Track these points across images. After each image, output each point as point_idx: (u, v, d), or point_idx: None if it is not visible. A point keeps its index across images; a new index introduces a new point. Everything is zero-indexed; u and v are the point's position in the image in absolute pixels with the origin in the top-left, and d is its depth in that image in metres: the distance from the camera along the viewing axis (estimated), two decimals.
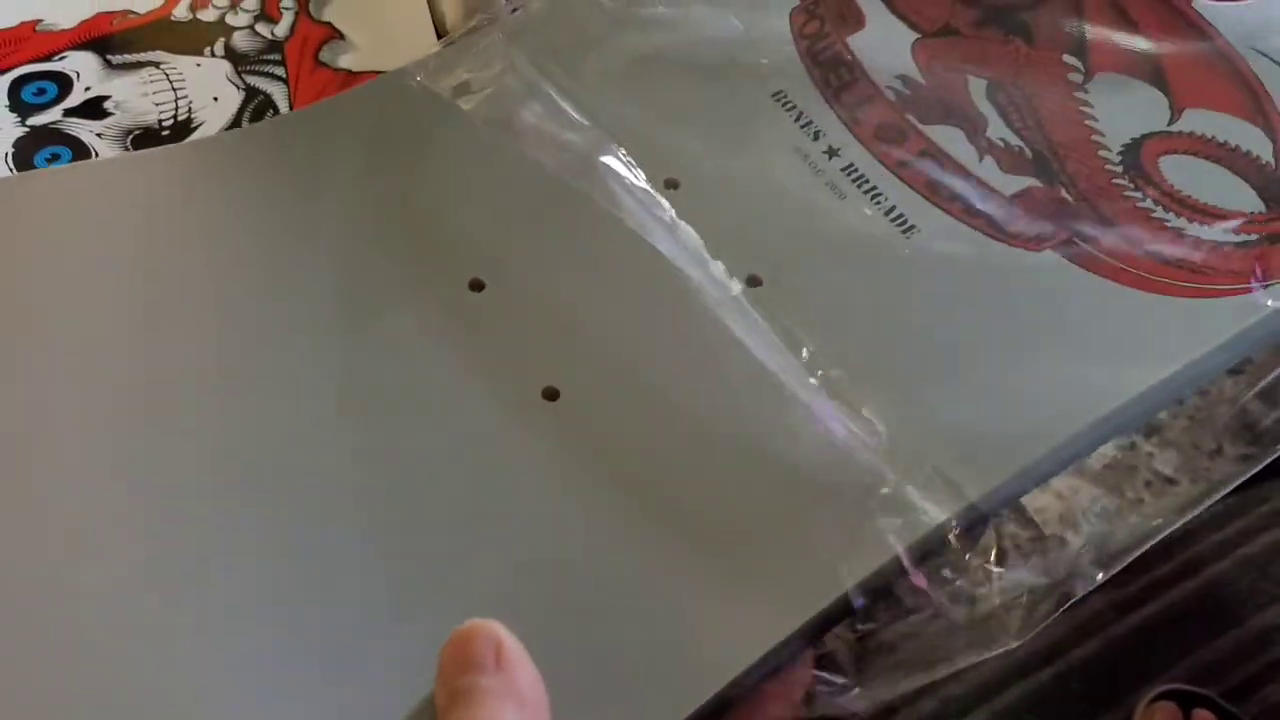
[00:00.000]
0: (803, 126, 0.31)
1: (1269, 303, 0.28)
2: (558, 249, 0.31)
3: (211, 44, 0.46)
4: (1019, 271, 0.28)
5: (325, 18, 0.47)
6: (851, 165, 0.30)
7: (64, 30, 0.46)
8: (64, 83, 0.44)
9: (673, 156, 0.31)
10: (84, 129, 0.42)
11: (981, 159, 0.29)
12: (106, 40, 0.46)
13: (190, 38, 0.46)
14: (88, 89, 0.44)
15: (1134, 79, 0.30)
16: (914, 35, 0.32)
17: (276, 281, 0.31)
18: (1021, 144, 0.29)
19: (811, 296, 0.29)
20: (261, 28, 0.47)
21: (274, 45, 0.46)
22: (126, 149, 0.42)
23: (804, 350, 0.28)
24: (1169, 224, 0.28)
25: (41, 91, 0.44)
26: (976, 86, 0.31)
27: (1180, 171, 0.29)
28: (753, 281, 0.29)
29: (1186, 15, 0.31)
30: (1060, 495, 0.34)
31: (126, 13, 0.47)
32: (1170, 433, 0.35)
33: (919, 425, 0.27)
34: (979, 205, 0.29)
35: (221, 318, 0.31)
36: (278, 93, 0.44)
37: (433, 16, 0.47)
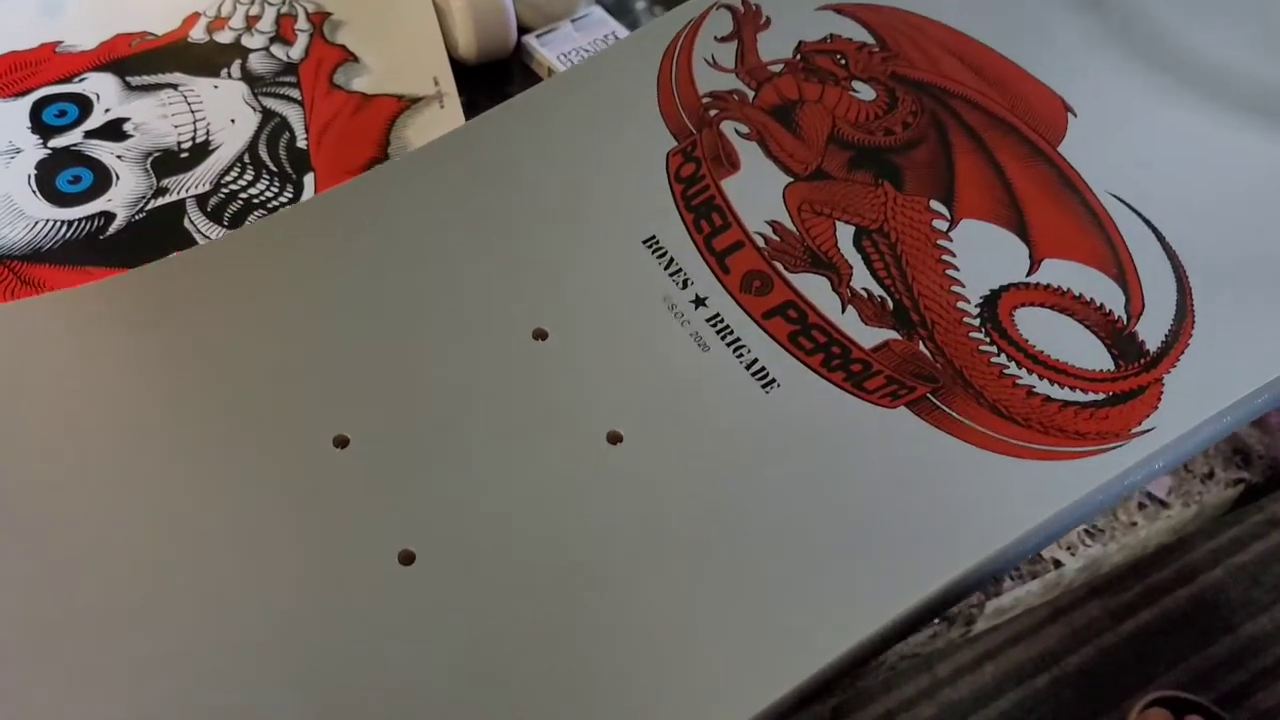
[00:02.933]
0: (672, 274, 0.31)
1: (1111, 469, 0.28)
2: (421, 402, 0.30)
3: (228, 66, 0.47)
4: (873, 429, 0.28)
5: (339, 40, 0.48)
6: (718, 316, 0.30)
7: (84, 52, 0.47)
8: (84, 104, 0.45)
9: (544, 305, 0.31)
10: (105, 150, 0.43)
11: (844, 309, 0.29)
12: (125, 62, 0.47)
13: (207, 60, 0.47)
14: (107, 110, 0.45)
15: (997, 227, 0.30)
16: (787, 179, 0.32)
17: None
18: (884, 294, 0.29)
19: (670, 455, 0.29)
20: (277, 50, 0.48)
21: (289, 67, 0.47)
22: (146, 171, 0.43)
23: (661, 510, 0.28)
24: (1020, 381, 0.28)
25: (63, 113, 0.44)
26: (844, 233, 0.31)
27: (1035, 325, 0.29)
28: (613, 438, 0.29)
29: (1051, 159, 0.31)
30: None
31: (145, 34, 0.48)
32: None
33: (749, 602, 0.26)
34: (838, 359, 0.29)
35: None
36: (293, 115, 0.45)
37: (445, 40, 0.48)
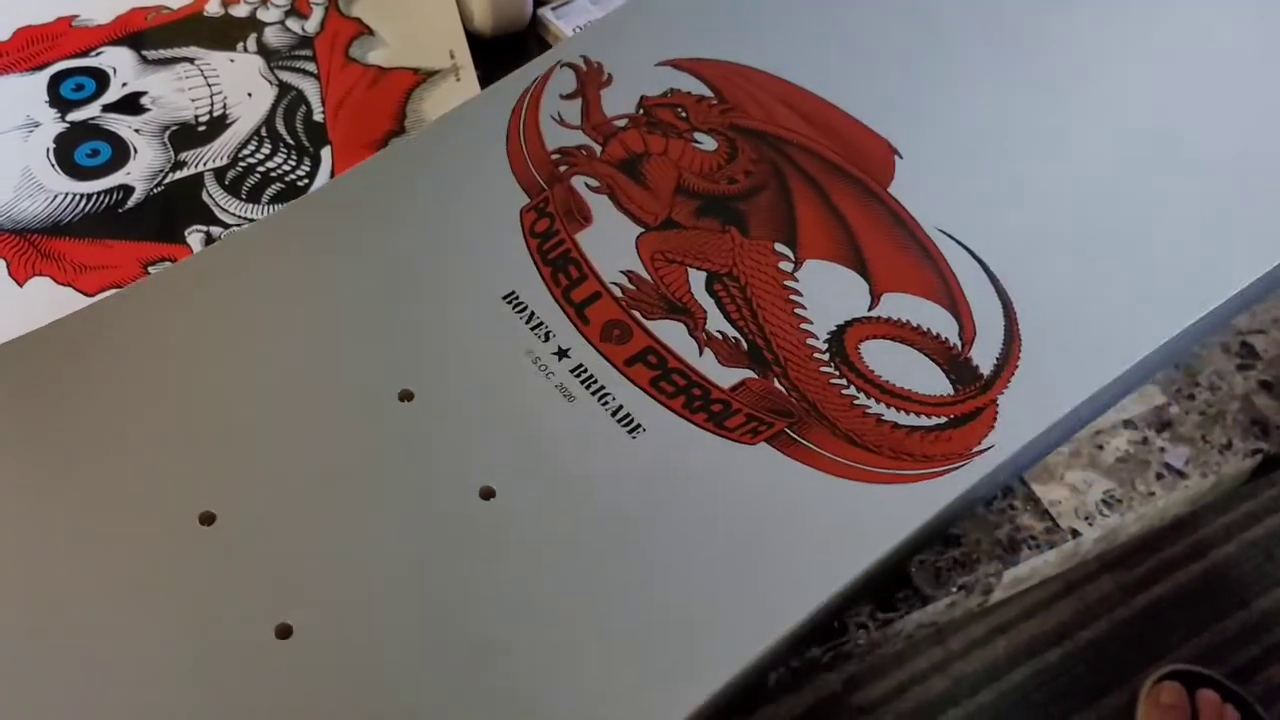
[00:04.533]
0: (534, 328, 0.32)
1: (957, 487, 0.29)
2: (290, 471, 0.30)
3: (244, 39, 0.47)
4: (736, 466, 0.29)
5: (354, 13, 0.48)
6: (581, 366, 0.31)
7: (100, 26, 0.47)
8: (101, 78, 0.45)
9: (408, 366, 0.32)
10: (122, 124, 0.43)
11: (702, 352, 0.30)
12: (141, 36, 0.47)
13: (223, 33, 0.47)
14: (124, 84, 0.45)
15: (839, 265, 0.32)
16: (638, 230, 0.33)
17: None
18: (738, 335, 0.31)
19: (542, 507, 0.29)
20: (292, 23, 0.48)
21: (305, 41, 0.47)
22: (164, 144, 0.43)
23: (537, 561, 0.28)
24: (869, 410, 0.30)
25: (80, 87, 0.45)
26: (696, 279, 0.32)
27: (879, 356, 0.31)
28: (485, 493, 0.30)
29: (882, 199, 0.32)
30: (1075, 489, 0.35)
31: (160, 8, 0.48)
32: (1182, 427, 0.36)
33: (624, 645, 0.27)
34: (699, 401, 0.30)
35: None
36: (310, 88, 0.45)
37: (461, 13, 0.48)
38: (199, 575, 0.29)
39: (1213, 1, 0.37)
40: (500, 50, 0.48)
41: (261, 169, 0.42)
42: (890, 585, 0.32)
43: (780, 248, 0.32)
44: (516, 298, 0.32)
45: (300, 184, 0.42)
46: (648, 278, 0.32)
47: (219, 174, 0.42)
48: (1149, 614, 0.98)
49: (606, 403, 0.31)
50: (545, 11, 0.48)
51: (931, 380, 0.31)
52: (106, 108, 0.44)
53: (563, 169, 0.34)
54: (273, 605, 0.28)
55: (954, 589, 0.32)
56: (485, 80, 0.46)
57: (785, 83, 0.34)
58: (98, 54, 0.46)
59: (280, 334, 0.33)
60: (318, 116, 0.44)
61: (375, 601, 0.28)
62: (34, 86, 0.44)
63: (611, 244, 0.33)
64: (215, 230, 0.40)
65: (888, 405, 0.30)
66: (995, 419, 0.30)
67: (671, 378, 0.31)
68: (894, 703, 0.91)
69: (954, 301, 0.32)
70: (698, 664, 0.27)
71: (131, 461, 0.31)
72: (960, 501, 0.30)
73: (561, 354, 0.31)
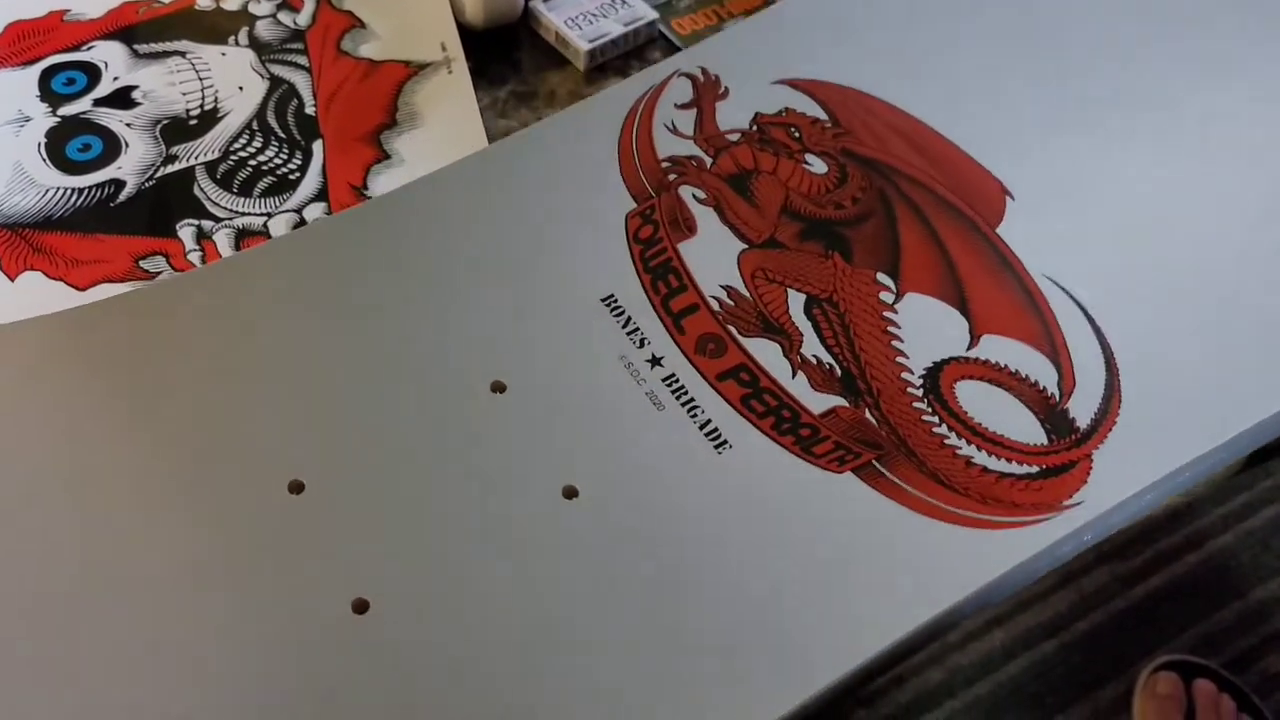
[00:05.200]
0: (629, 333, 0.32)
1: (1044, 540, 0.29)
2: (380, 449, 0.31)
3: (235, 33, 0.47)
4: (820, 493, 0.29)
5: (346, 6, 0.48)
6: (673, 376, 0.31)
7: (91, 20, 0.47)
8: (93, 72, 0.45)
9: (503, 358, 0.32)
10: (113, 118, 0.43)
11: (795, 375, 0.30)
12: (133, 29, 0.47)
13: (214, 27, 0.47)
14: (116, 78, 0.45)
15: (940, 301, 0.31)
16: (741, 245, 0.33)
17: None
18: (833, 361, 0.30)
19: (625, 512, 0.29)
20: (284, 16, 0.48)
21: (296, 34, 0.47)
22: (156, 138, 0.43)
23: (615, 565, 0.28)
24: (959, 451, 0.30)
25: (71, 81, 0.44)
26: (795, 301, 0.32)
27: (974, 398, 0.30)
28: (569, 493, 0.30)
29: (990, 239, 0.32)
30: None
31: (152, 2, 0.48)
32: None
33: (695, 656, 0.27)
34: (788, 423, 0.30)
35: None
36: (301, 82, 0.45)
37: (452, 5, 0.48)
38: (283, 543, 0.29)
39: None
40: (492, 42, 0.47)
41: (253, 162, 0.42)
42: None
43: (882, 278, 0.31)
44: (615, 301, 0.32)
45: (291, 177, 0.42)
46: (747, 294, 0.32)
47: (210, 168, 0.42)
48: (1145, 605, 0.98)
49: (695, 415, 0.30)
50: (537, 4, 0.48)
51: (1026, 428, 0.30)
52: (98, 102, 0.44)
53: (672, 177, 0.34)
54: (352, 579, 0.28)
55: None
56: (477, 73, 0.46)
57: (902, 113, 0.34)
58: (89, 48, 0.46)
59: (383, 313, 0.33)
60: (309, 110, 0.44)
61: (452, 587, 0.28)
62: (25, 81, 0.44)
63: (714, 257, 0.33)
64: (206, 224, 0.40)
65: (979, 448, 0.30)
66: (1089, 474, 0.30)
67: (763, 397, 0.30)
68: (892, 694, 0.91)
69: (1055, 350, 0.31)
70: (779, 680, 0.27)
71: (232, 426, 0.31)
72: (1040, 558, 0.29)
73: (655, 361, 0.31)
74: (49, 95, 0.44)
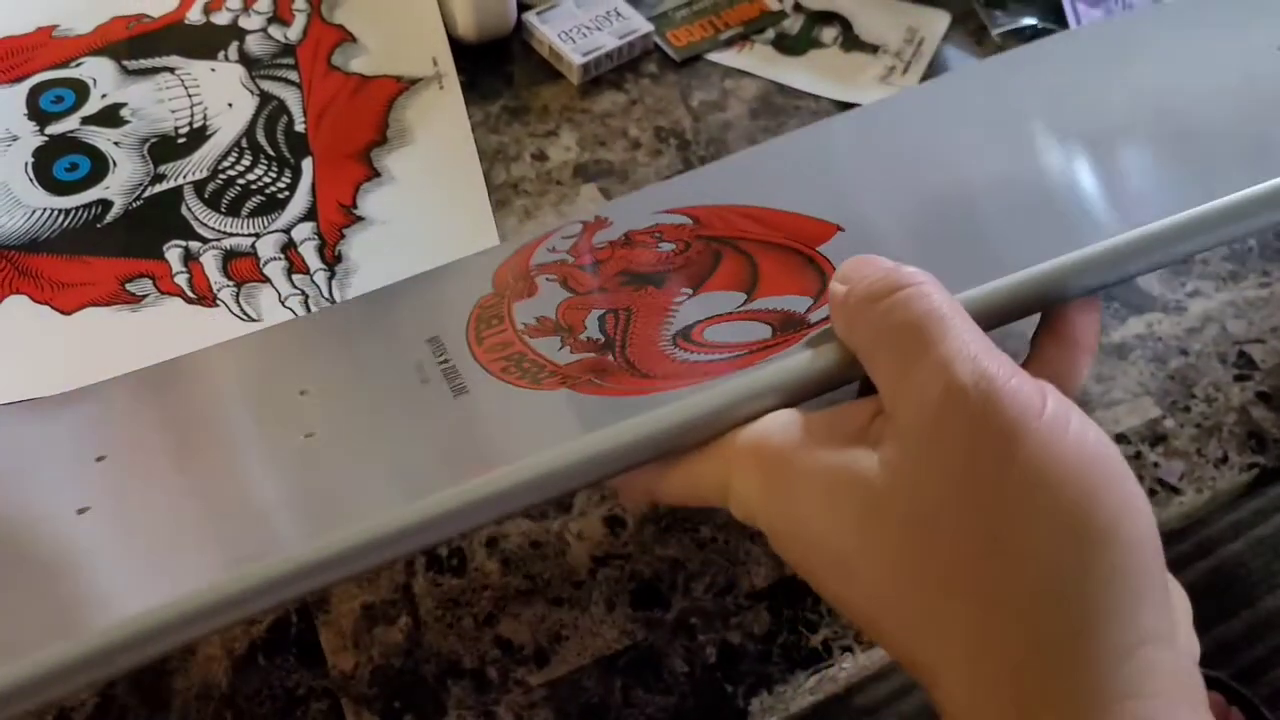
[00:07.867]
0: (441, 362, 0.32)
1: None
2: None
3: (225, 48, 0.46)
4: (526, 402, 0.30)
5: (337, 20, 0.48)
6: (452, 365, 0.31)
7: (80, 36, 0.46)
8: (81, 90, 0.44)
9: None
10: (102, 137, 0.43)
11: (561, 349, 0.31)
12: (122, 45, 0.46)
13: (204, 42, 0.46)
14: (104, 96, 0.44)
15: (732, 291, 0.32)
16: (566, 295, 0.33)
17: None
18: (601, 337, 0.31)
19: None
20: (274, 31, 0.47)
21: (287, 49, 0.46)
22: (144, 157, 0.42)
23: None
24: (675, 357, 0.30)
25: (59, 99, 0.44)
26: (593, 316, 0.32)
27: (720, 333, 0.31)
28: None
29: (805, 253, 0.32)
30: None
31: (141, 16, 0.47)
32: (1176, 441, 0.35)
33: None
34: (530, 374, 0.31)
35: None
36: (291, 98, 0.45)
37: (444, 18, 0.47)
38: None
39: None
40: (484, 56, 0.47)
41: (241, 181, 0.42)
42: None
43: (684, 290, 0.32)
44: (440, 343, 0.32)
45: (280, 196, 0.41)
46: (552, 317, 0.32)
47: (198, 187, 0.41)
48: None
49: (453, 380, 0.31)
50: (530, 16, 0.47)
51: (755, 331, 0.30)
52: (86, 120, 0.43)
53: (534, 274, 0.34)
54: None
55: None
56: (469, 87, 0.46)
57: (757, 207, 0.34)
58: (78, 64, 0.45)
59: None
60: (299, 126, 0.44)
61: None
62: (13, 99, 0.44)
63: (536, 308, 0.33)
64: (194, 245, 0.40)
65: (692, 353, 0.30)
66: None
67: (521, 364, 0.31)
68: (896, 704, 0.90)
69: (820, 289, 0.31)
70: None
71: None
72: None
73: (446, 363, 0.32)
74: (37, 113, 0.43)
